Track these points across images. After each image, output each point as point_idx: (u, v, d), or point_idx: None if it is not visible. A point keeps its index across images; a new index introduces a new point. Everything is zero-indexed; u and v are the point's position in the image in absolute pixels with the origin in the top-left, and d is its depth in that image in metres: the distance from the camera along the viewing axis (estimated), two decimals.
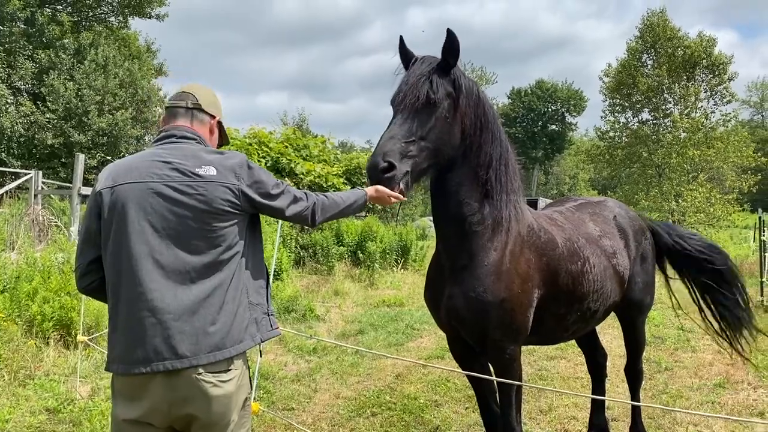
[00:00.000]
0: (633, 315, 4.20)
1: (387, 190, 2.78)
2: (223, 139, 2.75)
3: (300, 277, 11.77)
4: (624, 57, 23.72)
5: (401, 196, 2.80)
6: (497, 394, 3.47)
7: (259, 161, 13.25)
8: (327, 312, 9.13)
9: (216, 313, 2.28)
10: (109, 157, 22.42)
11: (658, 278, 4.70)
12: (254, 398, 5.44)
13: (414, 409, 5.38)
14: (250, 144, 13.78)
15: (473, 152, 3.07)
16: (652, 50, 23.06)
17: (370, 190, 2.81)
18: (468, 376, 3.66)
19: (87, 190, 12.41)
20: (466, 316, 3.18)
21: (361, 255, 12.77)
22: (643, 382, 6.35)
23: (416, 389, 5.92)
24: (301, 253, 12.63)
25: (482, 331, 3.19)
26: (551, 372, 6.65)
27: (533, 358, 7.21)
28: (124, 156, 20.37)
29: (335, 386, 6.03)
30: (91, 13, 27.79)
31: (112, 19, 28.25)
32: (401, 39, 3.14)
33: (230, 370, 2.32)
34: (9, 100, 22.19)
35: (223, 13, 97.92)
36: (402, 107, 2.89)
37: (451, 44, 2.94)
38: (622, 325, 4.39)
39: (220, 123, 2.67)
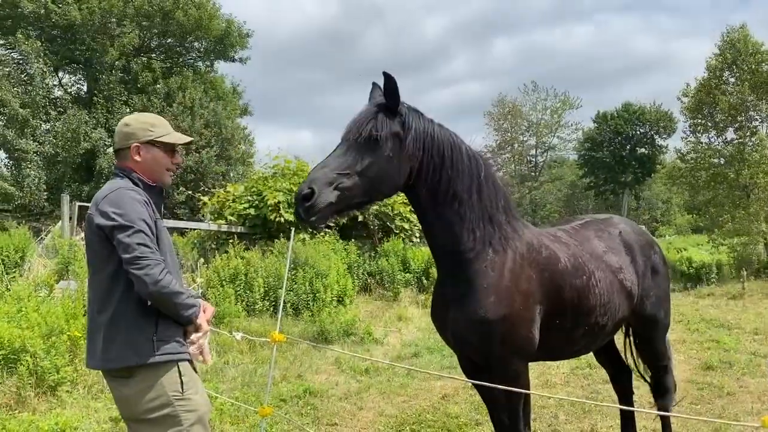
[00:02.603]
0: (648, 331, 4.16)
1: (203, 325, 2.82)
2: (164, 147, 2.92)
3: (366, 303, 12.05)
4: (704, 75, 22.95)
5: (207, 357, 2.88)
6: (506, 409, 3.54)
7: None
8: (386, 336, 9.34)
9: None
10: (196, 194, 23.79)
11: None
12: (285, 412, 5.73)
13: (452, 427, 5.48)
14: None
15: (435, 189, 3.15)
16: (734, 67, 22.16)
17: (201, 313, 2.81)
18: (480, 391, 3.78)
19: (168, 223, 13.21)
20: (470, 339, 3.30)
21: (425, 281, 12.93)
22: (699, 406, 6.18)
23: (460, 409, 6.00)
24: (369, 280, 12.92)
25: (487, 351, 3.29)
26: (603, 395, 6.54)
27: (587, 381, 7.13)
28: (204, 190, 21.57)
29: (380, 405, 6.21)
30: (180, 59, 29.84)
31: (200, 63, 30.19)
32: (373, 85, 3.29)
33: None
34: (107, 143, 24.07)
35: (310, 54, 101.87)
36: (344, 141, 3.02)
37: (387, 86, 3.03)
38: (640, 343, 4.32)
39: (148, 142, 2.87)
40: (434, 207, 3.20)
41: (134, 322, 2.69)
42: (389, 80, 3.01)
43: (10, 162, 24.35)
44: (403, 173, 3.09)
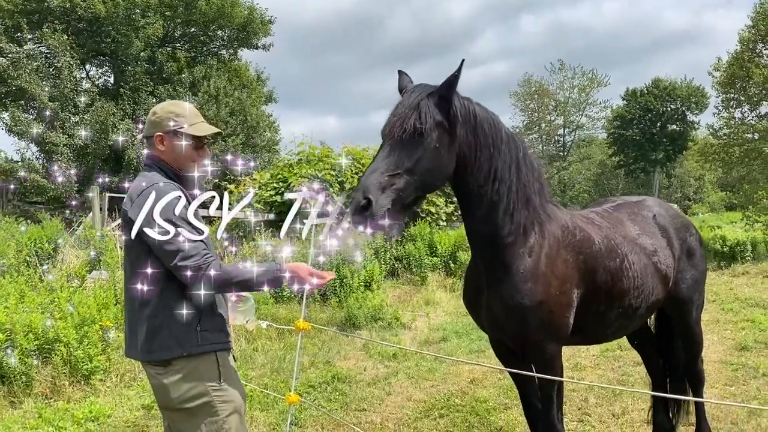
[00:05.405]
0: (683, 313, 4.06)
1: (306, 268, 2.76)
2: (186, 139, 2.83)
3: (393, 287, 12.04)
4: (736, 48, 22.31)
5: (324, 280, 2.79)
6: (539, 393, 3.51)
7: (352, 177, 13.76)
8: (413, 320, 9.33)
9: None
10: (222, 182, 23.98)
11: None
12: (313, 399, 5.75)
13: (481, 411, 5.46)
14: None
15: (478, 169, 3.07)
16: None
17: (291, 265, 2.75)
18: (511, 375, 3.75)
19: None
20: (506, 324, 3.26)
21: (452, 265, 12.87)
22: (734, 388, 6.06)
23: (488, 393, 5.98)
24: (396, 265, 12.90)
25: (523, 336, 3.27)
26: (634, 377, 6.46)
27: (618, 364, 7.03)
28: (231, 178, 21.69)
29: (409, 389, 6.21)
30: (204, 48, 29.98)
31: (224, 52, 30.30)
32: (399, 73, 3.19)
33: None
34: (135, 133, 24.36)
35: (335, 39, 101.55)
36: (389, 139, 2.90)
37: (451, 79, 2.93)
38: (674, 326, 4.24)
39: (172, 132, 2.81)
40: (475, 186, 3.11)
41: (178, 315, 2.70)
42: (456, 75, 2.92)
43: (42, 155, 24.81)
44: (452, 161, 3.02)
